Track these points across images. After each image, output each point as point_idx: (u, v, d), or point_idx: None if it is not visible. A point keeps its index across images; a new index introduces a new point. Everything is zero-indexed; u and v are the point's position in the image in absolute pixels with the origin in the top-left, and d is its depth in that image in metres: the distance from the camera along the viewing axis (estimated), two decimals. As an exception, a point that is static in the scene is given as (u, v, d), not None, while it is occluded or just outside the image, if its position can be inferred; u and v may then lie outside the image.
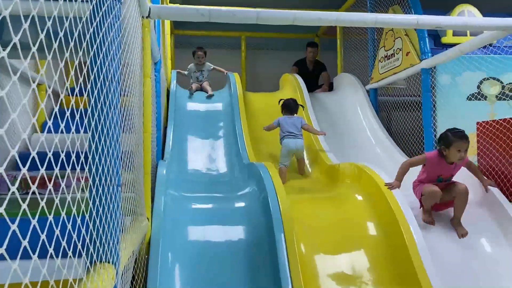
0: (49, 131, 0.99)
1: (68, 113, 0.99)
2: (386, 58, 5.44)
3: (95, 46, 1.32)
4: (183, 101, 5.68)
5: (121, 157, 1.88)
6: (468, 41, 3.73)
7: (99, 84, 1.33)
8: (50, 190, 0.98)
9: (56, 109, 0.97)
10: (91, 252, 1.39)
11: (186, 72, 6.35)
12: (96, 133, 1.40)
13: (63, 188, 1.09)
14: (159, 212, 2.99)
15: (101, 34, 1.31)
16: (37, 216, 0.89)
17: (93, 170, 1.39)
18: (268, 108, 5.83)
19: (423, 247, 2.88)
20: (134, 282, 2.50)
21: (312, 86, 6.69)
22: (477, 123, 3.83)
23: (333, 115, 5.97)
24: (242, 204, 3.50)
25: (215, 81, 6.35)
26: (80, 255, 1.29)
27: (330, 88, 6.81)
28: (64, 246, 1.05)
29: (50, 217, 0.94)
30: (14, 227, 0.77)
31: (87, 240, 1.38)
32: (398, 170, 3.44)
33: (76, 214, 1.19)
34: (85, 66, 1.39)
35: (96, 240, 1.33)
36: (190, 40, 8.08)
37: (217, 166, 4.72)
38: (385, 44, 5.50)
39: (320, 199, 3.81)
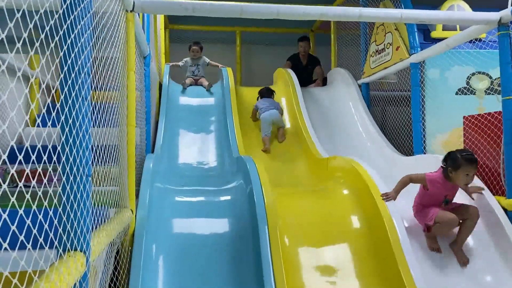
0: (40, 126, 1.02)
1: (44, 109, 1.02)
2: (377, 53, 5.46)
3: (60, 38, 1.35)
4: (175, 95, 5.70)
5: (97, 150, 1.91)
6: (454, 35, 3.75)
7: (63, 76, 1.36)
8: (24, 182, 1.02)
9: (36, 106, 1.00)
10: (63, 241, 1.43)
11: (181, 64, 6.35)
12: (65, 124, 1.43)
13: (42, 181, 1.13)
14: (143, 205, 3.02)
15: (64, 27, 1.33)
16: (7, 209, 0.93)
17: (62, 159, 1.42)
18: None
19: (406, 242, 2.91)
20: (116, 273, 2.54)
21: (306, 81, 6.70)
22: (464, 117, 3.85)
23: (325, 109, 5.99)
24: (228, 197, 3.54)
25: (210, 76, 6.37)
26: (52, 245, 1.32)
27: (324, 82, 6.82)
28: (35, 236, 1.09)
29: (21, 210, 0.98)
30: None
31: (59, 230, 1.42)
32: (397, 183, 3.25)
33: (48, 205, 1.23)
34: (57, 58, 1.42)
35: (61, 229, 1.36)
36: (185, 34, 8.09)
37: (207, 160, 4.76)
38: (376, 38, 5.52)
39: (306, 193, 3.85)
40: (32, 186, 1.09)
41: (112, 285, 2.43)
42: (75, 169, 1.45)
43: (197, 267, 2.89)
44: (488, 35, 3.97)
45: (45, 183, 1.20)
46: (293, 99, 5.67)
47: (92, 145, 1.60)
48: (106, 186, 2.22)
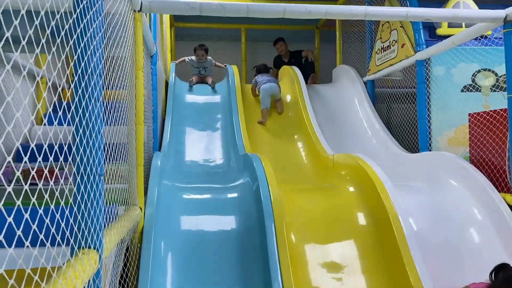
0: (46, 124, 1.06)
1: (57, 107, 1.06)
2: (382, 50, 5.46)
3: (74, 40, 1.38)
4: (181, 93, 5.74)
5: (107, 148, 1.95)
6: (460, 33, 3.75)
7: (77, 78, 1.39)
8: (43, 181, 1.06)
9: (50, 108, 1.04)
10: (77, 238, 1.46)
11: (187, 59, 6.35)
12: (79, 124, 1.46)
13: (55, 179, 1.16)
14: (152, 202, 3.06)
15: (78, 29, 1.36)
16: (20, 207, 0.96)
17: (77, 159, 1.45)
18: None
19: (412, 238, 2.94)
20: (126, 270, 2.58)
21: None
22: (469, 114, 3.87)
23: (330, 106, 6.01)
24: (235, 194, 3.58)
25: (216, 74, 6.40)
26: (67, 242, 1.36)
27: (312, 66, 7.06)
28: (53, 233, 1.13)
29: (41, 209, 1.01)
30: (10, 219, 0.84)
31: (74, 228, 1.46)
32: None
33: (64, 204, 1.26)
34: (71, 60, 1.45)
35: (76, 227, 1.40)
36: (191, 32, 8.12)
37: (213, 157, 4.79)
38: (381, 36, 5.52)
39: (312, 190, 3.88)
40: (37, 184, 1.10)
41: (122, 281, 2.47)
42: (88, 169, 1.48)
43: (205, 263, 2.93)
44: (494, 32, 3.97)
45: (54, 181, 1.23)
46: (298, 96, 5.69)
47: (103, 144, 1.63)
48: (115, 184, 2.26)
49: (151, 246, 2.81)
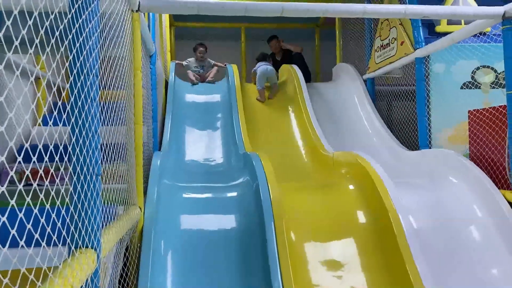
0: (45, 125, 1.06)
1: (55, 107, 1.06)
2: (382, 48, 5.46)
3: (69, 40, 1.38)
4: (181, 92, 5.74)
5: (105, 149, 1.95)
6: (459, 30, 3.74)
7: (72, 78, 1.39)
8: (42, 181, 1.06)
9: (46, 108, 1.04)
10: (75, 238, 1.47)
11: (184, 63, 6.37)
12: (75, 125, 1.47)
13: (50, 180, 1.17)
14: (151, 202, 3.07)
15: (73, 30, 1.37)
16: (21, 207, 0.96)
17: (73, 160, 1.46)
18: (266, 99, 5.88)
19: (412, 236, 2.94)
20: (125, 269, 2.59)
21: None
22: (469, 111, 3.86)
23: (330, 104, 6.01)
24: (235, 193, 3.58)
25: (215, 74, 6.41)
26: (64, 242, 1.37)
27: (302, 62, 6.91)
28: (49, 233, 1.13)
29: (35, 209, 1.01)
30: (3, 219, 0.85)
31: (71, 227, 1.46)
32: None
33: (60, 204, 1.27)
34: (67, 61, 1.46)
35: (73, 226, 1.40)
36: (190, 32, 8.12)
37: (214, 156, 4.80)
38: (381, 33, 5.52)
39: (312, 188, 3.88)
40: (32, 184, 1.10)
41: (122, 280, 2.48)
42: (85, 169, 1.49)
43: (205, 263, 2.93)
44: (493, 29, 3.97)
45: (50, 182, 1.23)
46: (298, 94, 5.69)
47: (101, 144, 1.64)
48: (114, 183, 2.27)
49: (151, 245, 2.81)
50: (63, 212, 1.26)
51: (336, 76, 6.72)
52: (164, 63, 6.04)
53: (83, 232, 1.47)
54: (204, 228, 3.17)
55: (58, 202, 1.24)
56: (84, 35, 1.43)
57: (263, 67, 5.98)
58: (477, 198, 3.47)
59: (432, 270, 2.88)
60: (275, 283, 2.59)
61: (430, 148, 4.44)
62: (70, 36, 1.36)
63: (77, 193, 1.47)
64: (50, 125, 1.21)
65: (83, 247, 1.45)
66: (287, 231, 3.00)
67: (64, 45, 1.37)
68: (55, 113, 1.26)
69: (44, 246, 1.07)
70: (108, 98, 2.10)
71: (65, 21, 1.30)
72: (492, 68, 4.42)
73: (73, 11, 1.38)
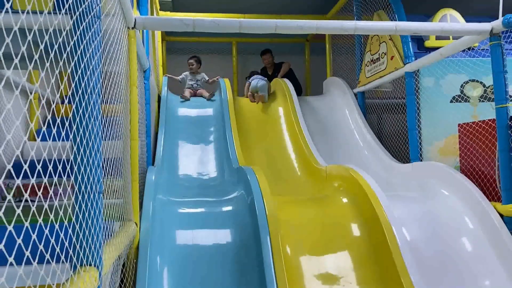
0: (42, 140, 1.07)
1: (52, 124, 1.08)
2: (372, 62, 5.55)
3: (75, 60, 1.41)
4: (174, 106, 5.76)
5: (103, 165, 1.96)
6: (448, 45, 3.83)
7: (78, 96, 1.42)
8: (40, 197, 1.07)
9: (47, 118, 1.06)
10: (78, 256, 1.48)
11: (179, 78, 6.42)
12: (80, 143, 1.48)
13: (51, 196, 1.17)
14: (147, 217, 3.07)
15: (79, 49, 1.39)
16: (21, 224, 0.97)
17: (79, 178, 1.47)
18: (258, 113, 5.93)
19: (405, 248, 2.98)
20: (122, 285, 2.58)
21: None
22: (459, 125, 3.94)
23: (322, 118, 6.07)
24: (230, 207, 3.59)
25: (208, 87, 6.45)
26: (65, 260, 1.37)
27: (292, 76, 7.00)
28: (51, 251, 1.14)
29: (39, 225, 1.02)
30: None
31: (74, 245, 1.47)
32: None
33: (61, 220, 1.27)
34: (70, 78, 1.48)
35: (77, 245, 1.41)
36: (182, 46, 8.17)
37: (207, 171, 4.81)
38: (371, 48, 5.61)
39: (306, 201, 3.90)
40: (24, 200, 1.10)
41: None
42: (89, 187, 1.50)
43: (201, 278, 2.93)
44: (480, 44, 4.06)
45: (46, 198, 1.24)
46: (290, 108, 5.74)
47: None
48: (111, 199, 2.27)
49: (147, 261, 2.81)
50: (69, 230, 1.27)
51: (326, 90, 6.80)
52: (157, 77, 6.07)
53: (87, 251, 1.48)
54: (200, 243, 3.17)
55: (64, 219, 1.25)
56: (87, 56, 1.46)
57: (254, 81, 6.24)
58: (468, 210, 3.53)
59: (425, 281, 2.91)
60: (271, 297, 2.60)
61: (421, 160, 4.51)
62: (76, 58, 1.39)
63: (81, 211, 1.48)
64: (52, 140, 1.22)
65: (86, 264, 1.46)
66: (282, 245, 3.01)
67: (71, 67, 1.39)
68: (54, 130, 1.27)
69: (50, 261, 1.08)
70: (106, 113, 2.12)
71: (72, 42, 1.32)
72: (481, 82, 4.52)
73: (78, 33, 1.41)
